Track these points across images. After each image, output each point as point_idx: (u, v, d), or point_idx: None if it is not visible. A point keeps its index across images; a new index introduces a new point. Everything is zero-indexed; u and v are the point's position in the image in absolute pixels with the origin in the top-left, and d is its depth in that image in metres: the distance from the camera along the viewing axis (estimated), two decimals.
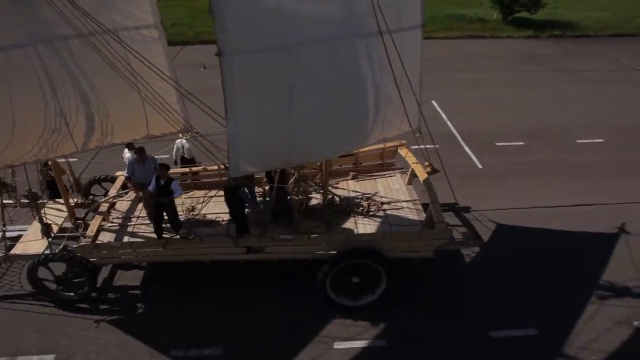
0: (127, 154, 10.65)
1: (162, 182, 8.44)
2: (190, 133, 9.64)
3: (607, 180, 13.01)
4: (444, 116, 17.02)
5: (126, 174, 9.23)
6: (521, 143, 15.20)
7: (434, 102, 17.81)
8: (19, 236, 9.75)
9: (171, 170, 10.35)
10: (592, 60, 23.93)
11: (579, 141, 15.31)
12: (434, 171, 10.54)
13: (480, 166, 13.88)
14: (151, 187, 8.44)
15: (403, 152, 10.71)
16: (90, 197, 10.43)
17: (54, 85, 7.55)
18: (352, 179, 10.78)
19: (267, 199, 9.57)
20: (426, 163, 10.45)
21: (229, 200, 8.40)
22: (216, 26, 6.32)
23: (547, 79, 21.10)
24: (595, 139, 15.39)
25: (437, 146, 9.36)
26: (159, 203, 8.48)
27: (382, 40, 7.66)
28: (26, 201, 8.99)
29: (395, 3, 8.19)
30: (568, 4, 35.46)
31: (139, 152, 9.10)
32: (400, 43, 8.34)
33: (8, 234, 9.82)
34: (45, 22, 7.39)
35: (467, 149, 14.78)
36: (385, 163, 11.13)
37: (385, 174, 10.89)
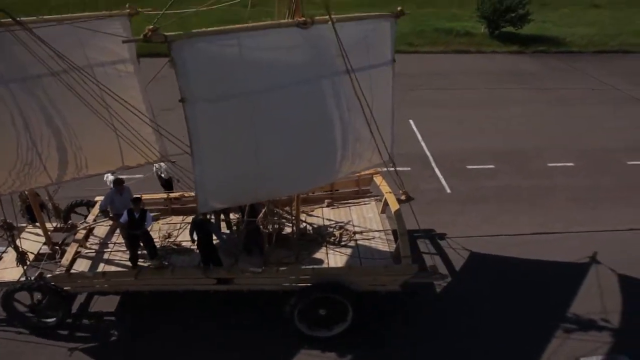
0: (109, 177, 10.82)
1: (137, 215, 8.66)
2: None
3: (572, 207, 13.13)
4: (419, 136, 17.10)
5: (102, 206, 9.41)
6: (492, 166, 15.23)
7: (411, 122, 17.98)
8: None
9: (150, 196, 10.71)
10: (573, 78, 23.97)
11: (549, 164, 15.34)
12: (408, 199, 10.78)
13: (448, 190, 13.95)
14: (123, 220, 8.64)
15: (378, 180, 10.87)
16: (70, 222, 10.68)
17: (27, 121, 7.68)
18: (328, 206, 10.97)
19: (241, 227, 9.81)
20: (401, 191, 10.69)
21: (192, 233, 8.61)
22: (177, 74, 6.51)
23: (526, 98, 21.08)
24: (566, 163, 15.44)
25: (398, 170, 9.46)
26: (133, 235, 8.71)
27: (349, 78, 7.91)
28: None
29: (364, 41, 8.40)
30: (557, 18, 35.59)
31: (117, 183, 9.28)
32: (369, 79, 8.61)
33: None
34: (18, 61, 7.55)
35: (438, 172, 14.84)
36: (361, 190, 11.36)
37: (360, 202, 11.06)
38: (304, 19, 7.47)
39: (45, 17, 7.89)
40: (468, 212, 12.82)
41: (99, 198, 10.61)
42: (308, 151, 8.14)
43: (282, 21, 7.35)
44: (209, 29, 6.53)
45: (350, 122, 8.42)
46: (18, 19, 7.42)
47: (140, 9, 8.84)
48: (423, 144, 16.59)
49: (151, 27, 5.97)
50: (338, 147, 8.48)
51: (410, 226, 9.42)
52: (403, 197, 10.50)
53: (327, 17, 7.47)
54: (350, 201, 11.04)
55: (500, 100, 20.76)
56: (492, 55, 27.55)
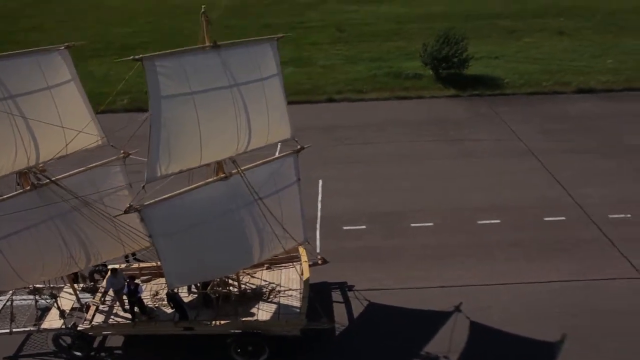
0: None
1: (132, 287, 13.73)
2: None
3: (409, 266, 16.20)
4: (319, 197, 20.15)
5: (106, 288, 14.46)
6: (364, 227, 18.09)
7: (320, 182, 21.21)
8: (46, 307, 15.28)
9: (145, 264, 15.81)
10: (490, 126, 26.59)
11: (412, 225, 18.26)
12: (324, 262, 15.71)
13: (318, 250, 16.61)
14: (125, 290, 13.75)
15: (301, 251, 15.69)
16: (92, 283, 15.89)
17: (66, 241, 12.65)
18: (267, 269, 15.88)
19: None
20: (319, 257, 15.61)
21: (169, 302, 13.66)
22: (145, 225, 11.45)
23: (435, 152, 23.91)
24: (427, 223, 18.33)
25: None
26: (131, 301, 13.81)
27: (262, 204, 12.76)
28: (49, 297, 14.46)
29: (272, 176, 13.18)
30: (514, 50, 38.41)
31: (113, 272, 14.12)
32: (279, 199, 13.41)
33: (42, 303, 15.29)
34: (55, 199, 12.62)
35: (317, 234, 17.73)
36: (292, 256, 16.14)
37: (289, 265, 15.90)
38: (224, 175, 12.35)
39: (71, 172, 13.00)
40: (325, 271, 15.59)
41: (111, 266, 15.80)
42: (237, 250, 12.95)
43: (209, 179, 12.22)
44: (163, 197, 11.49)
45: (264, 228, 13.20)
46: (53, 178, 12.55)
47: (131, 154, 13.83)
48: (319, 205, 19.65)
49: (129, 205, 10.96)
50: (256, 245, 13.25)
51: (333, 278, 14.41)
52: (320, 262, 15.54)
53: (241, 169, 12.37)
54: (283, 265, 15.91)
55: (410, 156, 23.62)
56: (429, 100, 30.62)
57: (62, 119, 11.71)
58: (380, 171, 22.71)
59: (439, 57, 31.70)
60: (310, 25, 52.11)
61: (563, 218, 18.71)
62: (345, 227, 18.65)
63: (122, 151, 13.65)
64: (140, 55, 9.46)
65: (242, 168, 12.35)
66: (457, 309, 15.02)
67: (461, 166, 23.09)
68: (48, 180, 12.35)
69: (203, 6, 10.42)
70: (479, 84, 32.02)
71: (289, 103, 28.89)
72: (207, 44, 10.45)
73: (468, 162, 23.46)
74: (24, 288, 14.20)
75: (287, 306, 14.20)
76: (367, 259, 16.94)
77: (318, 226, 18.67)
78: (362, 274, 16.16)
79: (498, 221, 18.73)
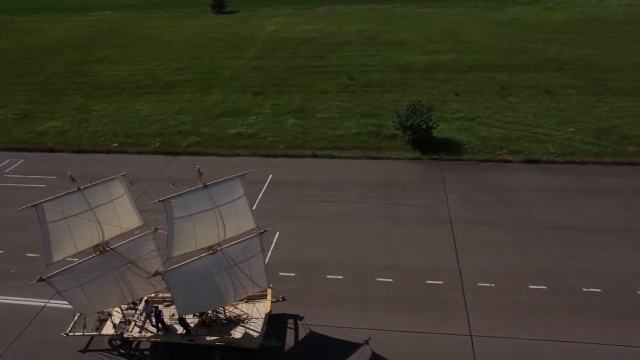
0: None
1: (157, 312, 22.00)
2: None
3: (316, 307, 21.73)
4: (272, 247, 24.85)
5: (142, 311, 22.89)
6: (293, 274, 23.24)
7: (277, 233, 25.82)
8: (104, 319, 23.81)
9: (166, 295, 24.15)
10: (430, 192, 29.05)
11: (328, 276, 23.04)
12: (284, 300, 23.58)
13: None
14: (153, 315, 22.04)
15: (268, 292, 23.53)
16: (133, 304, 24.28)
17: (120, 285, 20.95)
18: (245, 302, 23.79)
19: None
20: (280, 296, 23.49)
21: (179, 323, 21.83)
22: (165, 280, 19.61)
23: (369, 215, 27.10)
24: (338, 276, 23.11)
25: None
26: (156, 321, 22.08)
27: (237, 268, 20.75)
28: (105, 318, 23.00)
29: (243, 249, 21.11)
30: (494, 110, 40.47)
31: (146, 301, 22.67)
32: (249, 265, 21.34)
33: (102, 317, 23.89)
34: (113, 260, 20.99)
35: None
36: (262, 294, 23.94)
37: (259, 301, 23.74)
38: (212, 251, 20.37)
39: (121, 242, 21.28)
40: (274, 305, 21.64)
41: (146, 297, 24.14)
42: (218, 294, 21.01)
43: (203, 254, 20.22)
44: (175, 265, 19.55)
45: (236, 282, 21.17)
46: (112, 246, 20.89)
47: (158, 229, 22.02)
48: (269, 253, 24.52)
49: (155, 271, 19.06)
50: (231, 292, 21.23)
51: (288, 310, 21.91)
52: (280, 300, 23.46)
53: (223, 248, 20.38)
54: (255, 300, 23.77)
55: (351, 215, 27.31)
56: (393, 162, 33.33)
57: (118, 214, 20.03)
58: (322, 228, 26.69)
59: (406, 125, 35.73)
60: (327, 70, 56.46)
61: (441, 282, 22.86)
62: (280, 273, 24.10)
63: (153, 227, 21.91)
64: (163, 198, 17.54)
65: (224, 246, 20.35)
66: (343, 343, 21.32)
67: (385, 229, 26.39)
68: (109, 249, 20.72)
69: (197, 166, 18.43)
70: (441, 148, 35.10)
71: (281, 156, 36.38)
72: (200, 185, 18.47)
73: (392, 225, 26.75)
74: None
75: (252, 329, 22.14)
76: (289, 299, 22.63)
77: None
78: (283, 309, 22.61)
79: (391, 280, 23.28)
